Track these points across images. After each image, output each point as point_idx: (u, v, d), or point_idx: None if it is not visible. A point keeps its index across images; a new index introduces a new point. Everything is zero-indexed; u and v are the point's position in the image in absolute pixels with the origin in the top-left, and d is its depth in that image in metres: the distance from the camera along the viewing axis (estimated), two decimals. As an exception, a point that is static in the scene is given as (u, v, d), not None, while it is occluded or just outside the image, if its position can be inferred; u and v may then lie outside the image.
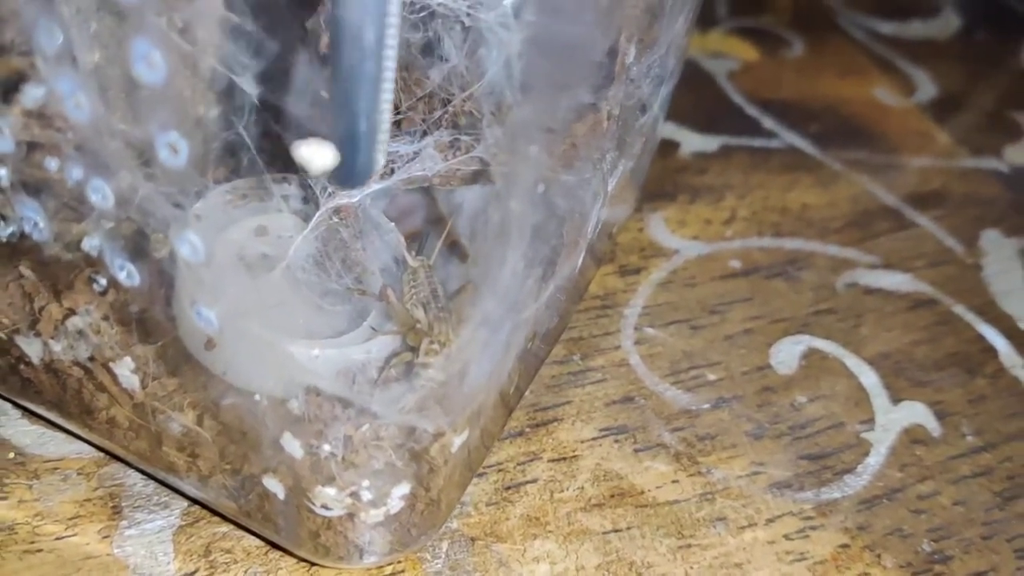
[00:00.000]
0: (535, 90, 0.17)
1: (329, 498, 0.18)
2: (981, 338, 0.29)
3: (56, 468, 0.22)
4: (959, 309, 0.30)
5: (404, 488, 0.18)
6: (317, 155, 0.12)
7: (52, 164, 0.15)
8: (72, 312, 0.19)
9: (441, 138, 0.19)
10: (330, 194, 0.18)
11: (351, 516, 0.18)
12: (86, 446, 0.22)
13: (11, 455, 0.22)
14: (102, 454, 0.22)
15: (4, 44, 0.14)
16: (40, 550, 0.20)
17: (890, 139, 0.36)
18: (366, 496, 0.18)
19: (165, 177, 0.13)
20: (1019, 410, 0.27)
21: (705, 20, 0.40)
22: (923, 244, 0.32)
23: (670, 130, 0.34)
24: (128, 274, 0.16)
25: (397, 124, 0.20)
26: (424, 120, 0.19)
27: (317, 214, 0.19)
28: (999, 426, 0.27)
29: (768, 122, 0.36)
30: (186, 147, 0.13)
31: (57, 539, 0.20)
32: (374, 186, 0.19)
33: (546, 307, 0.22)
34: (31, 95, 0.14)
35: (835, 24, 0.42)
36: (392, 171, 0.19)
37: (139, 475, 0.22)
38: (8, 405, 0.22)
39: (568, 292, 0.24)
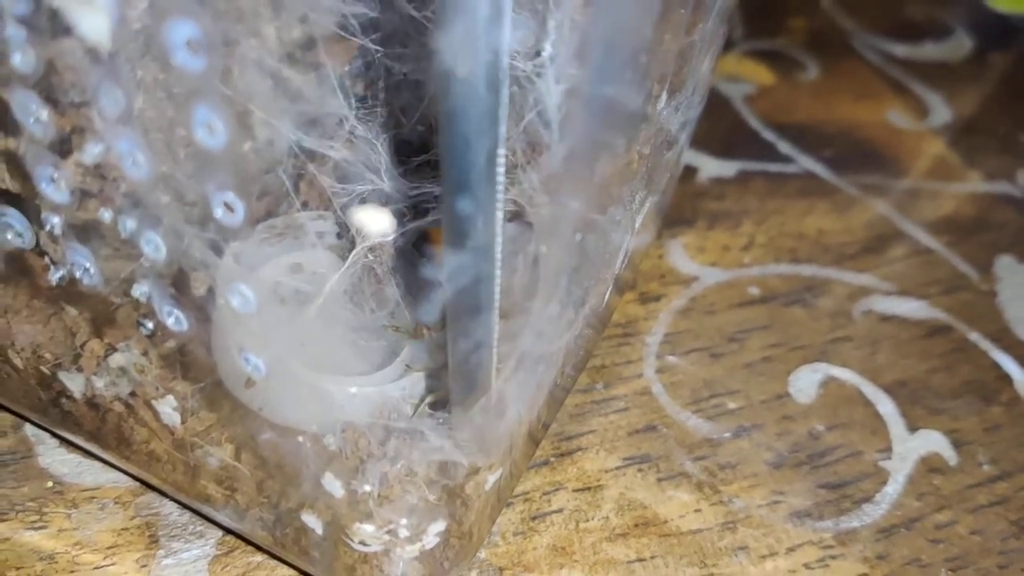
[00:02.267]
0: (573, 137, 0.18)
1: (367, 534, 0.18)
2: (996, 366, 0.30)
3: (93, 497, 0.22)
4: (974, 336, 0.30)
5: (440, 525, 0.18)
6: (373, 221, 0.13)
7: (106, 215, 0.15)
8: (113, 348, 0.19)
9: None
10: (365, 232, 0.19)
11: (387, 552, 0.19)
12: (122, 475, 0.22)
13: (49, 484, 0.22)
14: (138, 483, 0.22)
15: (62, 102, 0.14)
16: (80, 580, 0.20)
17: (904, 163, 0.37)
18: (403, 533, 0.18)
19: (220, 234, 0.14)
20: (1034, 438, 0.28)
21: (721, 42, 0.40)
22: (938, 270, 0.32)
23: (689, 156, 0.35)
24: (176, 320, 0.16)
25: (429, 164, 0.20)
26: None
27: (353, 252, 0.19)
28: (1015, 455, 0.27)
29: (784, 147, 0.36)
30: (242, 207, 0.14)
31: (96, 568, 0.21)
32: (408, 225, 0.20)
33: (575, 341, 0.22)
34: (90, 152, 0.14)
35: (850, 46, 0.42)
36: (427, 211, 0.20)
37: (174, 504, 0.22)
38: (46, 435, 0.23)
39: (594, 324, 0.24)
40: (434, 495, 0.18)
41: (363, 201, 0.20)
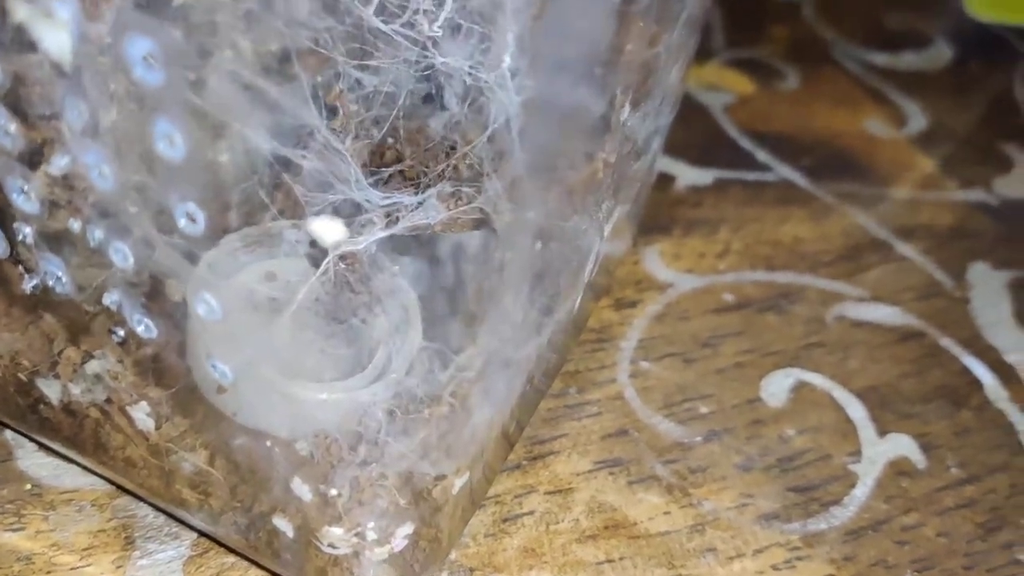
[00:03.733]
0: (533, 147, 0.18)
1: (336, 537, 0.19)
2: (967, 371, 0.30)
3: (71, 500, 0.22)
4: (946, 342, 0.31)
5: (408, 528, 0.19)
6: (327, 230, 0.13)
7: (75, 225, 0.16)
8: (90, 356, 0.20)
9: (444, 189, 0.20)
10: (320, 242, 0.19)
11: (357, 554, 0.19)
12: (99, 479, 0.23)
13: (28, 487, 0.23)
14: (115, 487, 0.23)
15: (31, 114, 0.15)
16: (57, 581, 0.21)
17: (880, 171, 0.37)
18: (371, 536, 0.18)
19: (187, 243, 0.14)
20: (1003, 443, 0.28)
21: (701, 51, 0.41)
22: (912, 277, 0.33)
23: (666, 163, 0.35)
24: (146, 328, 0.17)
25: (401, 173, 0.21)
26: (427, 170, 0.20)
27: (325, 260, 0.20)
28: (983, 458, 0.28)
29: (762, 155, 0.37)
30: (203, 216, 0.14)
31: (72, 569, 0.21)
32: (379, 233, 0.20)
33: (546, 346, 0.22)
34: (56, 163, 0.15)
35: (829, 55, 0.43)
36: (397, 219, 0.20)
37: (150, 507, 0.22)
38: (25, 440, 0.23)
39: (567, 329, 0.24)
40: (403, 499, 0.19)
41: (335, 210, 0.20)
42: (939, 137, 0.40)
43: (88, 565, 0.21)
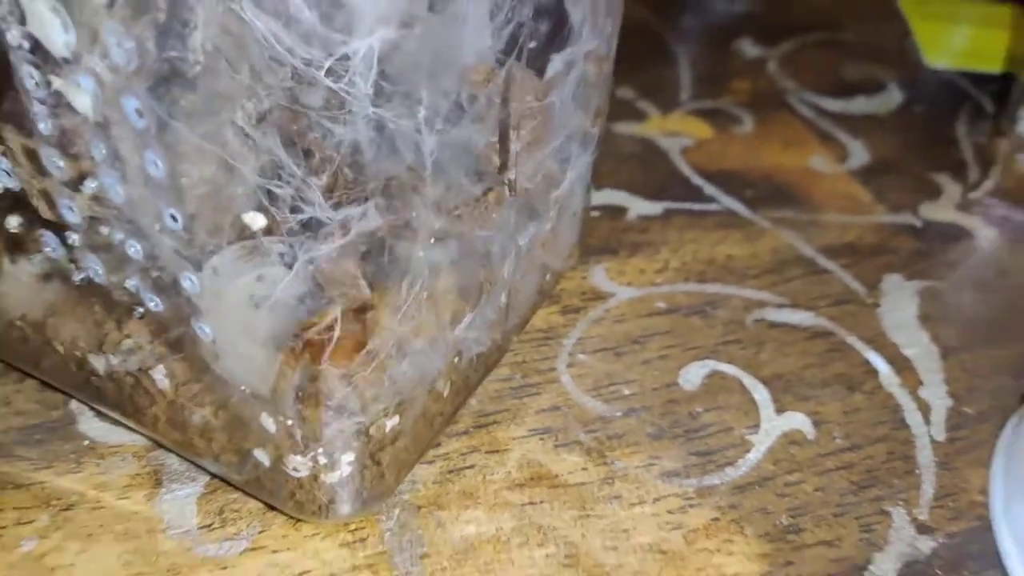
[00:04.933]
0: (443, 174, 0.25)
1: (297, 463, 0.25)
2: (866, 363, 0.36)
3: (116, 452, 0.30)
4: (852, 340, 0.36)
5: (350, 456, 0.25)
6: (255, 221, 0.20)
7: (105, 230, 0.23)
8: (128, 336, 0.27)
9: (379, 203, 0.27)
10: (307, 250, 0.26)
11: (315, 477, 0.26)
12: (139, 436, 0.30)
13: (85, 443, 0.30)
14: (150, 441, 0.30)
15: (71, 152, 0.22)
16: (103, 508, 0.28)
17: (816, 200, 0.43)
18: (322, 460, 0.25)
19: (172, 237, 0.21)
20: (887, 419, 0.33)
21: (668, 104, 0.48)
22: (830, 287, 0.39)
23: (621, 197, 0.41)
24: (156, 304, 0.24)
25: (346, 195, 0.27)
26: (365, 191, 0.27)
27: (296, 264, 0.27)
28: (867, 431, 0.33)
29: (709, 189, 0.43)
30: (181, 217, 0.21)
31: (116, 499, 0.28)
32: (339, 241, 0.27)
33: (474, 332, 0.29)
34: (89, 186, 0.22)
35: (786, 103, 0.49)
36: (350, 229, 0.27)
37: (176, 457, 0.29)
38: (85, 408, 0.31)
39: (500, 323, 0.31)
40: (344, 431, 0.25)
41: (304, 225, 0.27)
42: (877, 170, 0.45)
43: (126, 499, 0.28)
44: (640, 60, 0.51)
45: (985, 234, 0.42)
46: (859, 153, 0.46)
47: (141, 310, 0.25)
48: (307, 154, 0.26)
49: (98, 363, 0.28)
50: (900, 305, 0.38)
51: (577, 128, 0.30)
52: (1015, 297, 0.39)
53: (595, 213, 0.41)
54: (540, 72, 0.27)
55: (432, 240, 0.25)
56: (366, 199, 0.25)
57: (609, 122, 0.43)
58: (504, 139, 0.27)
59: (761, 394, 0.34)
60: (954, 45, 0.54)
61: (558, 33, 0.28)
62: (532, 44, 0.27)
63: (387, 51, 0.21)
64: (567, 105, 0.29)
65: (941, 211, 0.43)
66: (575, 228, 0.35)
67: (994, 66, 0.53)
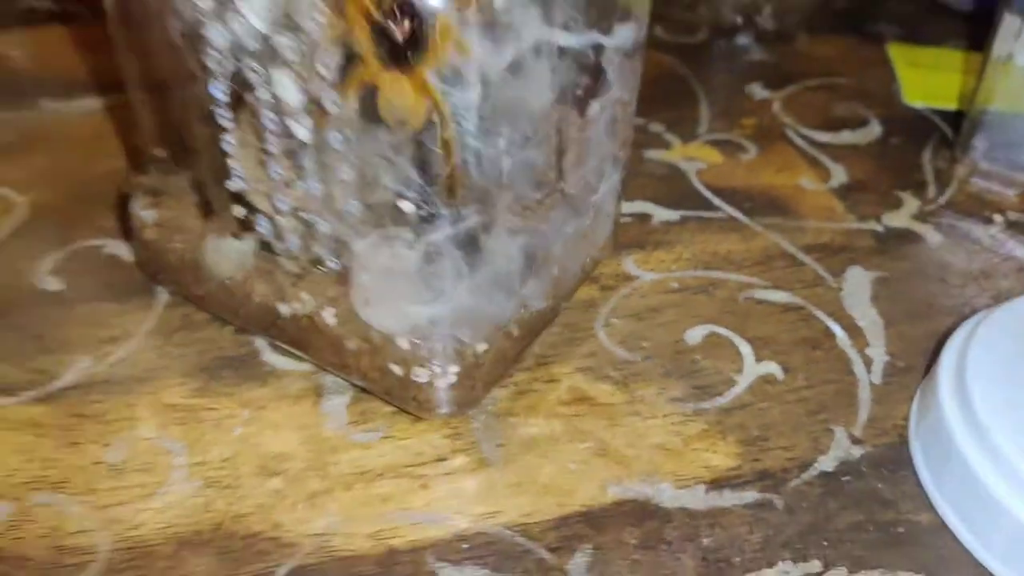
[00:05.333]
0: (515, 185, 0.38)
1: (420, 372, 0.38)
2: (828, 330, 0.48)
3: (289, 374, 0.43)
4: (818, 313, 0.49)
5: (455, 368, 0.38)
6: (406, 207, 0.34)
7: (303, 215, 0.37)
8: (304, 291, 0.40)
9: (476, 205, 0.40)
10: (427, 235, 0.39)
11: (431, 383, 0.39)
12: (305, 364, 0.43)
13: (267, 369, 0.43)
14: (317, 368, 0.43)
15: (293, 164, 0.36)
16: (284, 410, 0.41)
17: (801, 210, 0.55)
18: (436, 370, 0.38)
19: (349, 220, 0.35)
20: (839, 368, 0.45)
21: (689, 135, 0.60)
22: (804, 275, 0.51)
23: (648, 207, 0.54)
24: (335, 264, 0.38)
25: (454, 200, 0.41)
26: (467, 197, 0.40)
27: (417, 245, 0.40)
28: (822, 376, 0.45)
29: (717, 202, 0.55)
30: (358, 208, 0.35)
31: (292, 406, 0.42)
32: (448, 231, 0.40)
33: (534, 292, 0.42)
34: (299, 186, 0.36)
35: (785, 135, 0.62)
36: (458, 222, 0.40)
37: (331, 377, 0.43)
38: (266, 345, 0.44)
39: (553, 289, 0.44)
40: (450, 349, 0.38)
41: (423, 218, 0.40)
42: (853, 188, 0.57)
43: (299, 405, 0.42)
44: (669, 100, 0.64)
45: (932, 237, 0.54)
46: (840, 175, 0.58)
47: (324, 269, 0.38)
48: (427, 171, 0.39)
49: (283, 309, 0.41)
50: (857, 289, 0.50)
51: (608, 153, 0.43)
52: (948, 285, 0.51)
53: (627, 219, 0.53)
54: (582, 112, 0.40)
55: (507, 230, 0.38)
56: (468, 203, 0.38)
57: (641, 149, 0.57)
58: (557, 160, 0.40)
59: (746, 349, 0.46)
60: (929, 86, 0.66)
61: (596, 86, 0.41)
62: (578, 93, 0.40)
63: (480, 102, 0.34)
64: (601, 137, 0.42)
65: (900, 219, 0.55)
66: (608, 226, 0.47)
67: (956, 103, 0.65)
